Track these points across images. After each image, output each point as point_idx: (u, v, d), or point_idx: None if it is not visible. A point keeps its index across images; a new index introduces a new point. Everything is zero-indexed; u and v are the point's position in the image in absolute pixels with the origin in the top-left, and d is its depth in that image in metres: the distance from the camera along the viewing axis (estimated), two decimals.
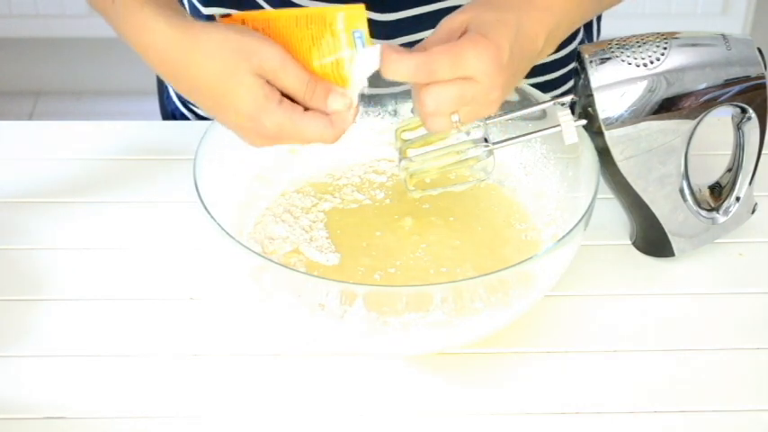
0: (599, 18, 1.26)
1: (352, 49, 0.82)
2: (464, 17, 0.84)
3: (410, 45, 1.12)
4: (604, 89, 0.91)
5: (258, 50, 0.81)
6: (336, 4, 0.83)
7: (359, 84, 0.83)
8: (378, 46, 0.82)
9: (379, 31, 1.11)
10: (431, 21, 1.11)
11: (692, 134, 0.94)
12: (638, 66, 0.90)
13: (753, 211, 1.01)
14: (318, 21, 0.82)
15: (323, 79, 0.82)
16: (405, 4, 1.09)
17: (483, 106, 0.83)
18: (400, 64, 0.82)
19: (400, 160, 0.92)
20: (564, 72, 1.19)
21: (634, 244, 1.02)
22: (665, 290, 0.99)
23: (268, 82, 0.81)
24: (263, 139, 0.83)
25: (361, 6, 0.82)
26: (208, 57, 0.82)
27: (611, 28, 1.28)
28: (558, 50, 1.16)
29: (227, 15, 0.85)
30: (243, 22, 0.84)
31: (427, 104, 0.82)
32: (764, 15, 2.56)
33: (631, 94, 0.90)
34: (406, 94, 1.03)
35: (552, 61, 1.16)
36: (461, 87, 0.82)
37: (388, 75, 0.82)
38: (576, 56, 0.94)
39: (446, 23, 0.85)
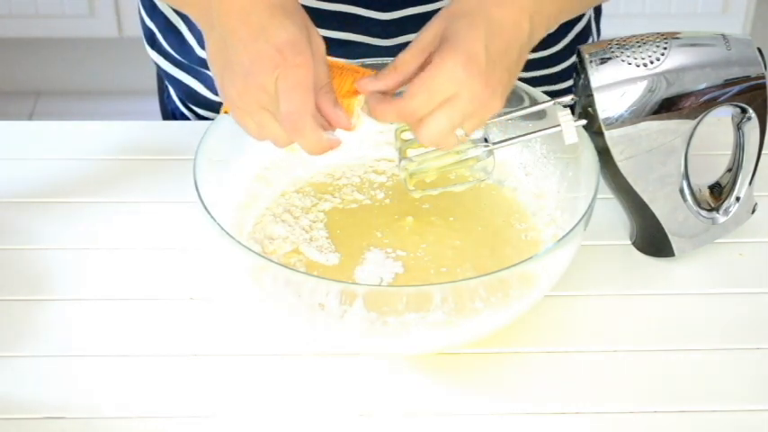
0: (598, 18, 1.26)
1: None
2: (436, 29, 0.85)
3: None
4: (604, 89, 0.91)
5: (314, 31, 0.85)
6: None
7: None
8: None
9: (379, 30, 1.11)
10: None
11: (692, 134, 0.94)
12: (638, 66, 0.90)
13: (753, 211, 1.01)
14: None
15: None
16: (405, 3, 1.09)
17: (480, 112, 0.84)
18: (385, 113, 0.85)
19: (400, 160, 0.92)
20: (563, 67, 1.19)
21: (634, 244, 1.02)
22: (665, 290, 0.99)
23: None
24: (274, 72, 0.82)
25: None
26: None
27: (611, 28, 1.28)
28: (554, 44, 1.16)
29: None
30: None
31: (427, 140, 0.85)
32: (764, 15, 2.56)
33: (631, 94, 0.90)
34: None
35: (550, 55, 1.16)
36: (448, 110, 0.83)
37: (379, 120, 0.85)
38: (575, 51, 0.94)
39: (422, 36, 0.86)
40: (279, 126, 0.84)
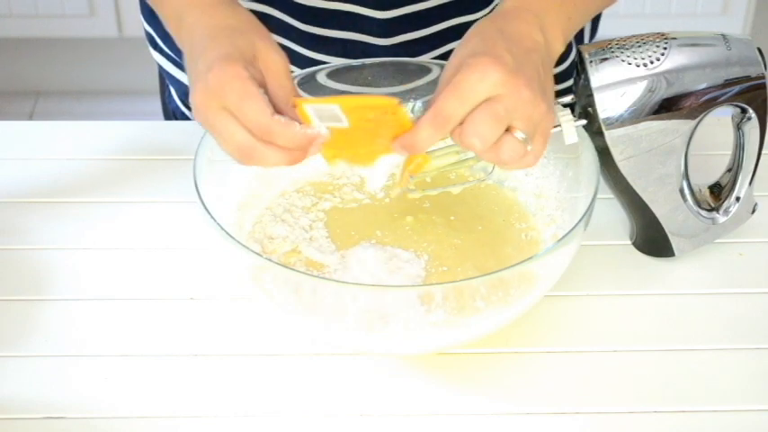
0: (596, 18, 1.26)
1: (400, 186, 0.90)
2: (456, 60, 0.83)
3: (410, 43, 1.13)
4: (604, 89, 0.91)
5: (270, 48, 0.84)
6: None
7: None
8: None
9: (378, 29, 1.11)
10: (430, 17, 1.11)
11: (692, 134, 0.94)
12: (638, 66, 0.90)
13: (753, 211, 1.01)
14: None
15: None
16: (403, 2, 1.09)
17: (527, 109, 0.81)
18: (419, 134, 0.81)
19: None
20: (563, 68, 1.19)
21: (634, 244, 1.02)
22: (665, 290, 0.99)
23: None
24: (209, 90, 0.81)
25: (430, 158, 0.89)
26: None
27: (611, 28, 1.28)
28: None
29: None
30: None
31: (474, 144, 0.81)
32: (764, 15, 2.56)
33: (631, 94, 0.90)
34: (406, 94, 1.03)
35: None
36: (489, 108, 0.80)
37: (424, 149, 0.82)
38: (573, 51, 0.94)
39: (445, 73, 0.84)
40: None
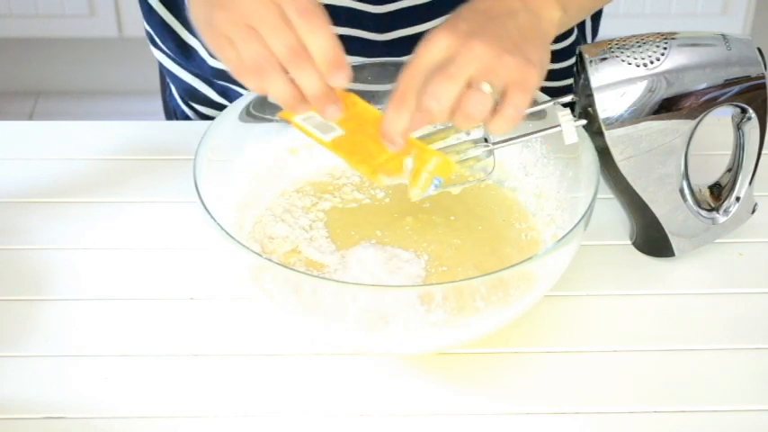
0: (596, 17, 1.26)
1: (421, 189, 0.87)
2: None
3: (407, 39, 1.12)
4: (604, 89, 0.91)
5: None
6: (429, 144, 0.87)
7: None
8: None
9: (373, 24, 1.11)
10: (426, 13, 1.11)
11: (692, 134, 0.94)
12: (638, 66, 0.90)
13: (753, 211, 1.01)
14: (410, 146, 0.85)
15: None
16: None
17: (488, 64, 0.81)
18: (386, 118, 0.83)
19: None
20: (565, 65, 1.19)
21: (634, 244, 1.02)
22: (665, 290, 0.99)
23: None
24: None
25: (453, 163, 0.87)
26: None
27: (611, 28, 1.28)
28: (555, 42, 1.17)
29: None
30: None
31: (431, 105, 0.81)
32: (764, 15, 2.56)
33: (631, 94, 0.90)
34: None
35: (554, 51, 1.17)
36: (439, 69, 0.81)
37: (398, 132, 0.83)
38: (575, 51, 0.94)
39: None
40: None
